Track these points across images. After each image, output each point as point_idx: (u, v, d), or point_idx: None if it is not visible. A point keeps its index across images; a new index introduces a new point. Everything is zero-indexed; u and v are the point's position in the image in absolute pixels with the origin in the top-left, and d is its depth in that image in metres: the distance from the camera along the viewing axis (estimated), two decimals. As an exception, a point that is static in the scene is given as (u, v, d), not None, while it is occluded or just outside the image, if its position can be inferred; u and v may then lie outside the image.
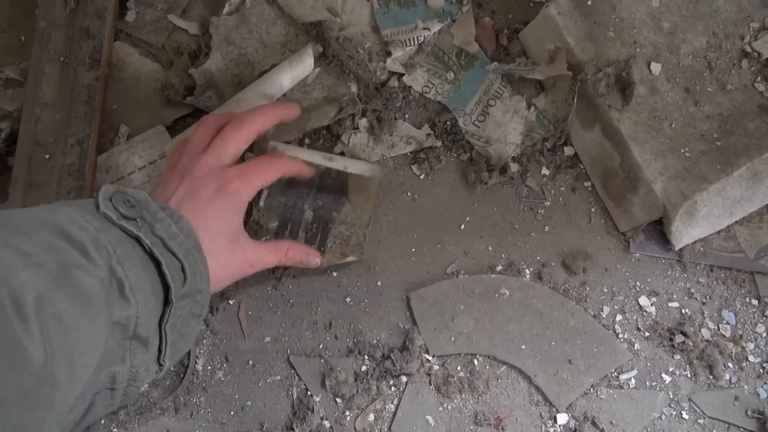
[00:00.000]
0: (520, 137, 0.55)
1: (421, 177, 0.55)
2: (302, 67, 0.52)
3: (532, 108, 0.55)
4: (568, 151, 0.55)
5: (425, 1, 0.56)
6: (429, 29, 0.55)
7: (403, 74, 0.55)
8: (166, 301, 0.35)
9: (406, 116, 0.56)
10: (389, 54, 0.54)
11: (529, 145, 0.55)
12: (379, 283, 0.53)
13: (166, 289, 0.35)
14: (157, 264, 0.34)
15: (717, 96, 0.54)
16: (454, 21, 0.56)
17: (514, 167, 0.54)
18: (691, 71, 0.54)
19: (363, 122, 0.55)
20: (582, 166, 0.55)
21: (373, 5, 0.56)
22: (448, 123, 0.55)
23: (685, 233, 0.52)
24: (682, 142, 0.52)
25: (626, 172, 0.52)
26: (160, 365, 0.36)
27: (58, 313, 0.28)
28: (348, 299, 0.52)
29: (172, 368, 0.50)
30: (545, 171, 0.55)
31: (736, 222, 0.54)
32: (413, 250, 0.54)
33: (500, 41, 0.56)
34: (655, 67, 0.53)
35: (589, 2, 0.53)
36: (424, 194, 0.55)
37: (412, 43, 0.55)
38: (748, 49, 0.55)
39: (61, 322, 0.28)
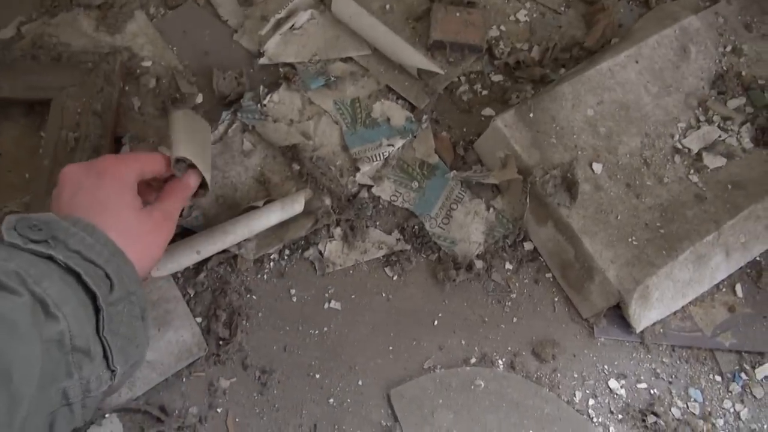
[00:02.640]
0: (482, 236, 0.60)
1: (394, 278, 0.59)
2: (292, 210, 0.57)
3: (491, 209, 0.61)
4: (527, 246, 0.60)
5: (388, 121, 0.63)
6: (393, 145, 0.61)
7: (372, 186, 0.61)
8: (97, 309, 0.35)
9: (377, 223, 0.61)
10: (358, 169, 0.60)
11: (491, 242, 0.60)
12: (360, 383, 0.55)
13: (93, 297, 0.35)
14: (77, 276, 0.35)
15: (656, 189, 0.59)
16: (415, 137, 0.63)
17: (479, 264, 0.59)
18: (630, 168, 0.60)
19: (337, 231, 0.60)
20: (542, 259, 0.60)
21: (341, 127, 0.62)
22: (416, 227, 0.60)
23: (643, 316, 0.56)
24: (629, 231, 0.57)
25: (581, 263, 0.57)
26: (112, 371, 0.36)
27: None
28: (331, 400, 0.55)
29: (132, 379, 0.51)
30: (509, 266, 0.59)
31: (689, 303, 0.58)
32: (391, 348, 0.57)
33: (457, 152, 0.63)
34: (597, 167, 0.59)
35: (531, 115, 0.60)
36: (397, 294, 0.58)
37: (378, 159, 0.61)
38: (679, 146, 0.61)
39: None
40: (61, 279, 0.34)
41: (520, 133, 0.59)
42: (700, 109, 0.63)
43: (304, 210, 0.59)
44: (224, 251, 0.57)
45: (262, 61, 0.64)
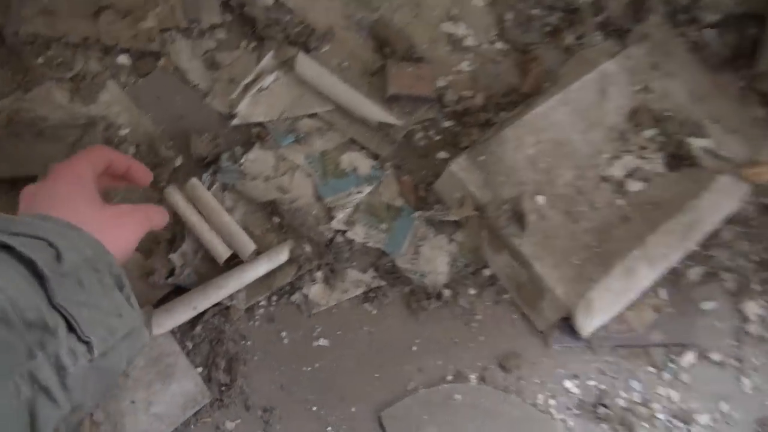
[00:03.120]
0: (447, 267, 0.68)
1: (374, 312, 0.66)
2: (278, 260, 0.64)
3: (453, 242, 0.69)
4: (487, 272, 0.69)
5: (355, 170, 0.70)
6: (361, 192, 0.69)
7: (346, 231, 0.68)
8: (42, 279, 0.32)
9: (354, 264, 0.68)
10: (333, 217, 0.67)
11: (455, 272, 0.68)
12: (353, 410, 0.62)
13: (32, 266, 0.32)
14: (11, 250, 0.32)
15: (590, 213, 0.69)
16: (380, 183, 0.70)
17: (447, 292, 0.67)
18: (567, 197, 0.70)
19: (319, 275, 0.67)
20: (500, 283, 0.69)
21: (314, 180, 0.69)
22: (388, 264, 0.68)
23: (588, 324, 0.66)
24: (571, 253, 0.67)
25: (533, 284, 0.66)
26: (86, 343, 0.33)
27: None
28: (329, 428, 0.61)
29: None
30: (472, 291, 0.68)
31: (625, 308, 0.68)
32: (377, 375, 0.64)
33: (419, 193, 0.71)
34: (540, 199, 0.68)
35: (481, 158, 0.69)
36: (378, 327, 0.66)
37: (349, 205, 0.68)
38: (606, 175, 0.72)
39: None
40: None
41: (473, 175, 0.68)
42: (621, 141, 0.74)
43: (288, 258, 0.65)
44: (217, 303, 0.63)
45: (235, 122, 0.70)
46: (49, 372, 0.31)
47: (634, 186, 0.71)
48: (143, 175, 0.51)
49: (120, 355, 0.36)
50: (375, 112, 0.71)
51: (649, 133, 0.74)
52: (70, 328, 0.32)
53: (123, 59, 0.73)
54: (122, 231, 0.43)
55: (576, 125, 0.73)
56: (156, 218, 0.49)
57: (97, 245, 0.37)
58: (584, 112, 0.73)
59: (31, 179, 0.64)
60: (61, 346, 0.31)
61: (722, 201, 0.72)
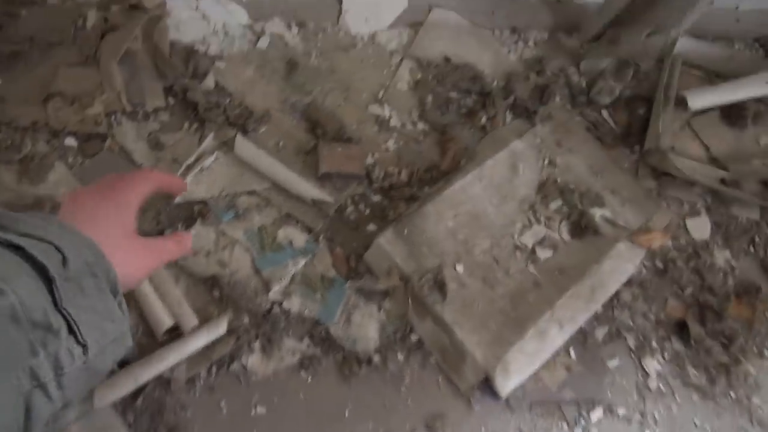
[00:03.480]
0: (377, 333, 0.74)
1: (309, 380, 0.71)
2: (216, 333, 0.68)
3: (382, 310, 0.75)
4: (413, 337, 0.75)
5: (291, 243, 0.75)
6: (297, 264, 0.74)
7: (282, 301, 0.73)
8: (50, 281, 0.33)
9: (290, 333, 0.73)
10: (270, 289, 0.72)
11: (385, 338, 0.74)
12: (289, 474, 0.66)
13: (45, 271, 0.33)
14: (23, 251, 0.33)
15: (505, 280, 0.77)
16: (314, 255, 0.76)
17: (376, 358, 0.72)
18: (485, 266, 0.77)
19: (257, 344, 0.71)
20: (426, 348, 0.75)
21: (252, 254, 0.74)
22: (322, 332, 0.73)
23: (505, 385, 0.72)
24: (488, 318, 0.74)
25: (455, 348, 0.72)
26: (83, 346, 0.34)
27: None
28: (266, 494, 0.65)
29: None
30: (400, 356, 0.74)
31: (539, 368, 0.75)
32: (312, 440, 0.68)
33: (350, 264, 0.77)
34: (460, 268, 0.76)
35: (406, 231, 0.76)
36: (312, 393, 0.70)
37: (286, 278, 0.73)
38: (519, 243, 0.80)
39: None
40: (6, 257, 0.33)
41: (398, 248, 0.75)
42: (531, 212, 0.82)
43: (227, 330, 0.70)
44: (158, 376, 0.66)
45: (178, 200, 0.75)
46: (48, 369, 0.32)
47: (544, 253, 0.79)
48: (180, 185, 0.53)
49: (108, 357, 0.37)
50: (308, 189, 0.77)
51: (555, 204, 0.83)
52: (70, 331, 0.34)
53: (70, 141, 0.77)
54: (137, 259, 0.44)
55: (491, 198, 0.81)
56: (176, 254, 0.50)
57: (96, 250, 0.37)
58: (498, 187, 0.82)
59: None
60: (61, 346, 0.33)
61: (621, 265, 0.81)
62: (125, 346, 0.39)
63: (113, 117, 0.79)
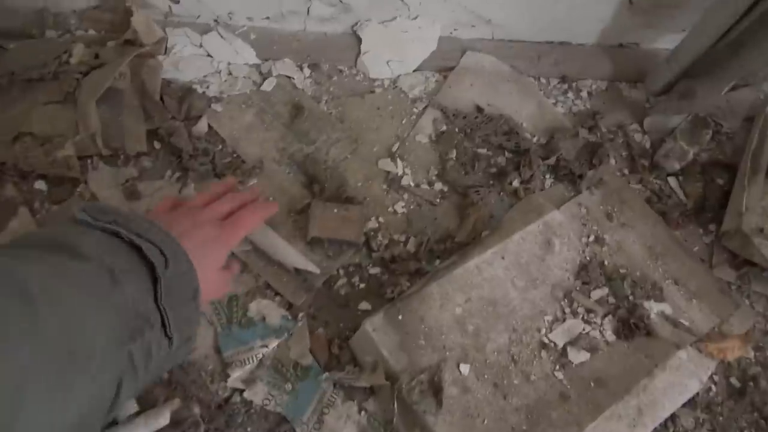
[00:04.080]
0: (354, 442, 0.59)
1: (263, 492, 0.57)
2: (156, 424, 0.57)
3: (363, 412, 0.61)
4: (399, 451, 0.60)
5: (264, 319, 0.63)
6: (267, 346, 0.62)
7: (244, 390, 0.61)
8: (156, 281, 0.39)
9: (248, 430, 0.60)
10: (230, 374, 0.60)
11: (363, 448, 0.59)
12: None
13: (152, 269, 0.39)
14: (139, 251, 0.39)
15: (523, 387, 0.61)
16: (290, 335, 0.63)
17: (348, 475, 0.58)
18: (498, 366, 0.61)
19: (206, 442, 0.58)
20: (414, 465, 0.59)
21: (216, 329, 0.63)
22: (287, 433, 0.60)
23: None
24: (496, 437, 0.58)
25: (448, 473, 0.57)
26: (170, 339, 0.39)
27: (62, 296, 0.33)
28: None
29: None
30: (380, 473, 0.59)
31: None
32: None
33: (332, 350, 0.63)
34: (464, 368, 0.60)
35: (400, 317, 0.61)
36: None
37: (251, 361, 0.61)
38: (546, 340, 0.63)
39: (66, 303, 0.33)
40: (126, 253, 0.39)
41: (388, 337, 0.61)
42: (566, 300, 0.66)
43: (171, 420, 0.58)
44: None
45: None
46: (141, 355, 0.37)
47: (577, 356, 0.62)
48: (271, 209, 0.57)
49: (178, 354, 0.42)
50: (292, 256, 0.65)
51: (598, 293, 0.66)
52: (162, 324, 0.39)
53: (40, 185, 0.70)
54: (214, 292, 0.51)
55: (514, 281, 0.65)
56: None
57: (190, 264, 0.42)
58: (525, 267, 0.66)
59: None
60: (154, 337, 0.38)
61: (682, 380, 0.63)
62: (191, 346, 0.44)
63: (90, 160, 0.71)
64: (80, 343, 0.33)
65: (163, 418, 0.57)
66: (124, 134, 0.71)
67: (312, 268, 0.65)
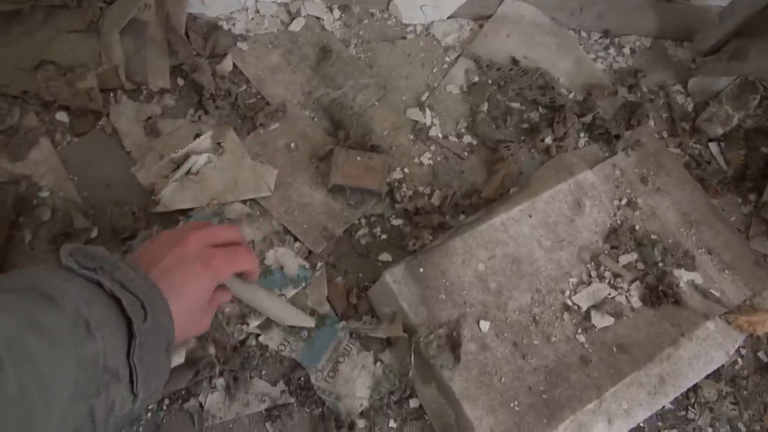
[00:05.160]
0: (368, 391, 0.59)
1: (275, 435, 0.57)
2: (173, 361, 0.56)
3: (379, 363, 0.60)
4: (413, 403, 0.59)
5: (281, 269, 0.62)
6: (285, 295, 0.61)
7: (260, 334, 0.60)
8: (131, 335, 0.38)
9: (263, 372, 0.59)
10: (247, 322, 0.59)
11: (377, 398, 0.59)
12: None
13: (129, 324, 0.38)
14: (119, 303, 0.38)
15: (543, 348, 0.59)
16: (309, 283, 0.62)
17: (361, 424, 0.57)
18: (518, 326, 0.60)
19: (220, 381, 0.58)
20: (427, 418, 0.59)
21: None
22: (301, 379, 0.59)
23: (521, 487, 0.55)
24: (512, 395, 0.57)
25: (461, 428, 0.56)
26: (135, 395, 0.38)
27: (28, 352, 0.32)
28: None
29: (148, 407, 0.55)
30: (393, 424, 0.58)
31: (571, 470, 0.57)
32: None
33: (350, 299, 0.62)
34: (485, 325, 0.59)
35: (421, 270, 0.60)
36: (276, 453, 0.57)
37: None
38: (569, 303, 0.62)
39: (31, 358, 0.32)
40: (106, 304, 0.38)
41: (408, 289, 0.59)
42: (592, 263, 0.64)
43: (187, 359, 0.57)
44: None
45: (158, 209, 0.63)
46: (102, 409, 0.36)
47: (601, 321, 0.61)
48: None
49: (140, 408, 0.40)
50: (285, 312, 0.58)
51: (626, 258, 0.64)
52: (130, 380, 0.38)
53: (62, 116, 0.69)
54: (196, 324, 0.48)
55: (541, 241, 0.63)
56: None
57: (169, 317, 0.41)
58: (552, 227, 0.64)
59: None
60: (119, 392, 0.37)
61: (707, 352, 0.61)
62: (155, 398, 0.44)
63: (113, 94, 0.69)
64: (41, 402, 0.32)
65: (179, 357, 0.57)
66: (147, 68, 0.69)
67: (307, 322, 0.60)
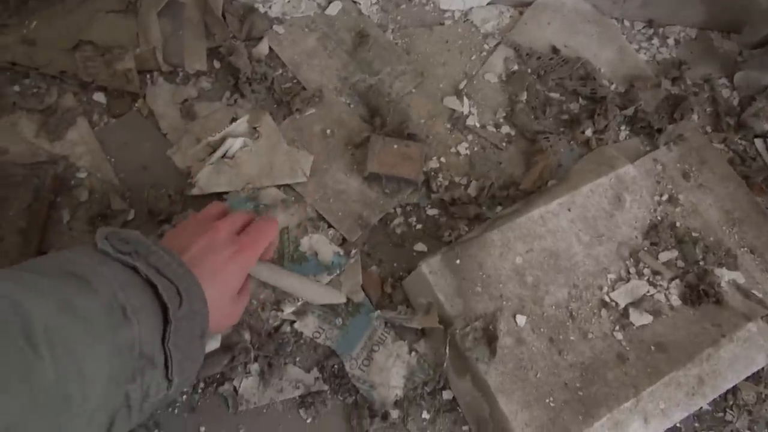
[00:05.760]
0: (402, 380, 0.59)
1: (308, 421, 0.58)
2: (209, 347, 0.55)
3: (413, 353, 0.60)
4: (447, 395, 0.59)
5: (316, 255, 0.62)
6: (319, 282, 0.61)
7: (295, 321, 0.60)
8: (166, 321, 0.38)
9: (297, 359, 0.60)
10: (282, 308, 0.59)
11: (410, 388, 0.58)
12: None
13: (164, 309, 0.38)
14: (154, 288, 0.38)
15: (579, 344, 0.59)
16: (343, 271, 0.62)
17: (395, 414, 0.57)
18: (555, 321, 0.59)
19: (254, 367, 0.59)
20: (460, 410, 0.59)
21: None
22: (335, 366, 0.59)
23: (555, 483, 0.54)
24: (547, 391, 0.56)
25: (495, 422, 0.56)
26: (169, 381, 0.39)
27: (65, 338, 0.32)
28: None
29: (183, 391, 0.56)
30: (426, 415, 0.58)
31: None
32: (296, 499, 0.55)
33: (385, 289, 0.62)
34: (521, 319, 0.58)
35: (458, 261, 0.59)
36: (309, 440, 0.57)
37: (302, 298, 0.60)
38: (607, 299, 0.61)
39: (68, 345, 0.32)
40: (141, 289, 0.38)
41: (444, 281, 0.59)
42: (632, 260, 0.63)
43: (222, 344, 0.58)
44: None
45: (194, 192, 0.63)
46: (138, 395, 0.36)
47: (639, 319, 0.60)
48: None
49: (175, 394, 0.41)
50: (314, 291, 0.58)
51: (666, 255, 0.63)
52: (164, 366, 0.38)
53: (99, 97, 0.69)
54: (234, 317, 0.50)
55: (579, 235, 0.62)
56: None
57: (204, 304, 0.41)
58: (592, 221, 0.63)
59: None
60: (154, 378, 0.37)
61: (748, 353, 0.59)
62: (190, 384, 0.44)
63: (149, 75, 0.69)
64: (78, 387, 0.32)
65: (215, 342, 0.57)
66: (184, 50, 0.69)
67: (336, 298, 0.59)
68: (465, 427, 0.58)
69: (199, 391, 0.58)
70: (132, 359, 0.36)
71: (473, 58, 0.73)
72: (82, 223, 0.63)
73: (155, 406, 0.39)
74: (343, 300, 0.60)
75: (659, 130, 0.68)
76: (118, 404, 0.36)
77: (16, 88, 0.68)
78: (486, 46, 0.74)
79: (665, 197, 0.65)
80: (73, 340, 0.32)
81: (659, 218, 0.65)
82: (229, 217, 0.50)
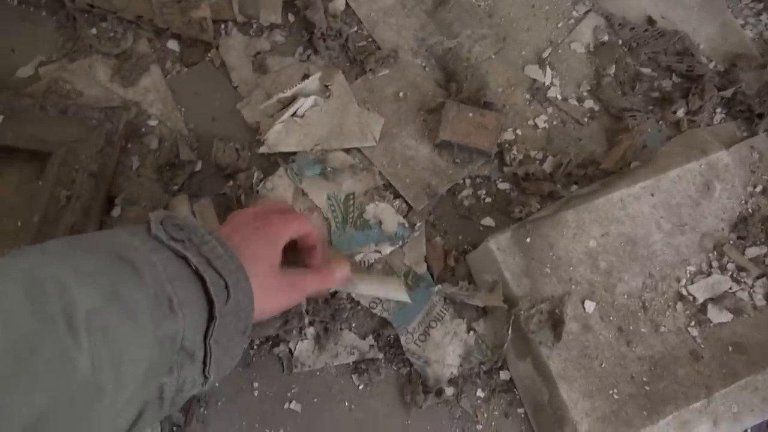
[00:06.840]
0: (458, 359, 0.57)
1: (360, 387, 0.57)
2: None
3: (472, 332, 0.58)
4: (504, 375, 0.57)
5: (380, 224, 0.60)
6: (380, 252, 0.59)
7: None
8: (211, 316, 0.37)
9: (353, 325, 0.59)
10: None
11: (467, 367, 0.57)
12: (307, 496, 0.54)
13: (210, 304, 0.37)
14: (203, 281, 0.37)
15: (650, 337, 0.55)
16: (406, 242, 0.60)
17: (449, 391, 0.56)
18: (626, 310, 0.56)
19: (310, 331, 0.58)
20: (516, 392, 0.57)
21: (331, 226, 0.60)
22: (391, 337, 0.58)
23: (612, 478, 0.52)
24: (612, 382, 0.54)
25: (554, 409, 0.54)
26: (205, 377, 0.38)
27: (106, 326, 0.31)
28: None
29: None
30: (480, 393, 0.57)
31: (665, 468, 0.54)
32: (344, 462, 0.55)
33: (448, 262, 0.60)
34: (590, 305, 0.56)
35: (528, 240, 0.57)
36: (361, 405, 0.57)
37: (363, 265, 0.59)
38: (684, 293, 0.57)
39: (109, 334, 0.31)
40: (190, 281, 0.36)
41: (513, 259, 0.56)
42: (715, 253, 0.58)
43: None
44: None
45: (262, 149, 0.62)
46: (172, 388, 0.36)
47: (718, 316, 0.56)
48: (318, 261, 0.50)
49: (209, 389, 0.42)
50: (387, 290, 0.56)
51: (754, 251, 0.58)
52: (203, 362, 0.37)
53: (173, 44, 0.68)
54: (279, 297, 0.45)
55: (660, 223, 0.58)
56: (317, 288, 0.50)
57: (251, 298, 0.40)
58: (675, 209, 0.59)
59: (47, 154, 0.60)
60: (191, 374, 0.36)
61: (836, 363, 0.55)
62: (223, 376, 0.41)
63: (224, 26, 0.68)
64: (112, 379, 0.31)
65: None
66: (260, 1, 0.67)
67: (405, 298, 0.56)
68: (520, 410, 0.56)
69: (255, 347, 0.58)
70: (172, 352, 0.35)
71: (560, 25, 0.68)
72: (151, 171, 0.63)
73: (186, 399, 0.38)
74: (409, 301, 0.57)
75: (760, 116, 0.63)
76: (152, 396, 0.35)
77: (94, 30, 0.68)
78: (575, 13, 0.69)
79: (759, 188, 0.61)
80: (114, 330, 0.31)
81: (750, 211, 0.60)
82: (263, 204, 0.49)
